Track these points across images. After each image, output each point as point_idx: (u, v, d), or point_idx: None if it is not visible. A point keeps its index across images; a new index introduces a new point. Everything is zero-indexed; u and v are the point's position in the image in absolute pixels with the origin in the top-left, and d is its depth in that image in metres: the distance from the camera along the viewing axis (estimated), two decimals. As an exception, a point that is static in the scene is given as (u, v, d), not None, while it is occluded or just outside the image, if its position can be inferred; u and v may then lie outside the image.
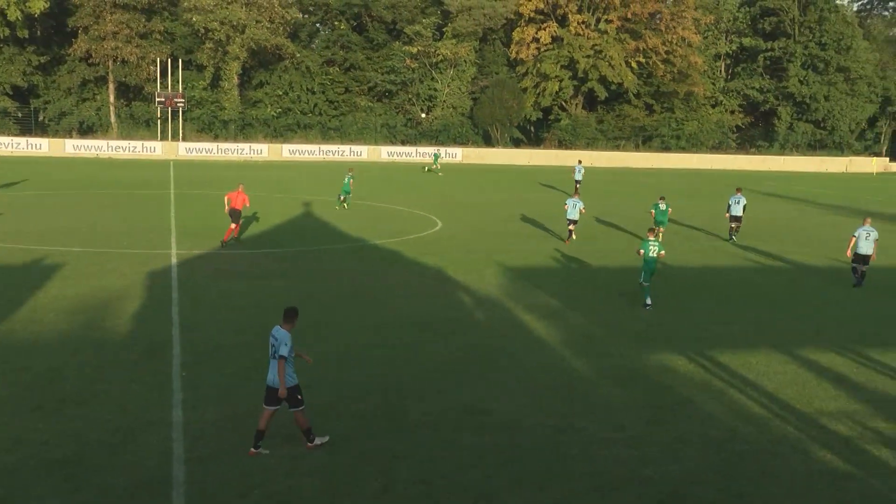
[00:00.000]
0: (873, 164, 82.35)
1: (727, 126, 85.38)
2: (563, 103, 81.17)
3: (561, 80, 77.89)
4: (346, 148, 70.70)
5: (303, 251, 25.72)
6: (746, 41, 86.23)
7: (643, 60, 78.44)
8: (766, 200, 45.72)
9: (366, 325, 17.00)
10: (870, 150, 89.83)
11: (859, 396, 13.70)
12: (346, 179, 35.76)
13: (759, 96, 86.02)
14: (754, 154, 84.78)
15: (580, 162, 50.16)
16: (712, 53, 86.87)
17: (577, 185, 46.82)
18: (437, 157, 61.08)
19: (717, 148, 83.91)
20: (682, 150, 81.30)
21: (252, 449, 10.75)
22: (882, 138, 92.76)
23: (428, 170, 59.75)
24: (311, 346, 15.24)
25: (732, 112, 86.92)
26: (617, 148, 79.84)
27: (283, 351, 10.44)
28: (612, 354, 15.72)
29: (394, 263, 24.09)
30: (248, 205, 26.59)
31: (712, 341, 16.83)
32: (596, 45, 76.34)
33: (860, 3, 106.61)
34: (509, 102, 74.59)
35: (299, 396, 10.70)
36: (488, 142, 77.77)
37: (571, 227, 28.80)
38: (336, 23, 78.20)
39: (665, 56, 77.64)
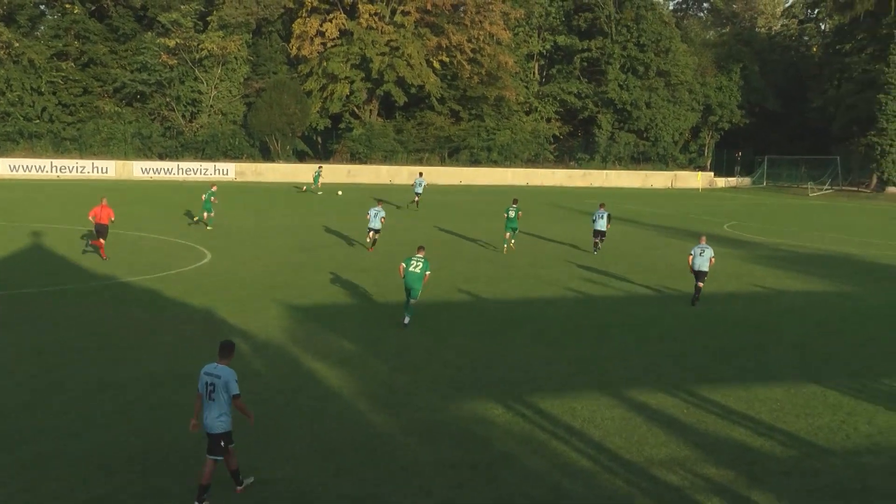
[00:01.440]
0: (699, 179, 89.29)
1: (544, 136, 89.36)
2: (356, 109, 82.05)
3: (352, 82, 78.76)
4: (86, 163, 67.91)
5: (33, 293, 24.33)
6: (561, 40, 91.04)
7: (447, 60, 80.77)
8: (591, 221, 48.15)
9: (112, 384, 16.24)
10: (694, 164, 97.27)
11: (690, 440, 14.67)
12: (207, 196, 38.29)
13: (578, 102, 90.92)
14: (574, 168, 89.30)
15: (421, 174, 54.72)
16: (524, 53, 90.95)
17: (417, 200, 51.17)
18: (317, 175, 61.41)
19: (534, 161, 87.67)
20: (495, 163, 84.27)
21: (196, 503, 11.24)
22: (706, 151, 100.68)
23: (307, 189, 60.11)
24: (42, 415, 14.39)
25: (549, 120, 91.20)
26: (419, 161, 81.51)
27: (236, 389, 11.52)
28: (418, 406, 15.90)
29: (151, 305, 23.30)
30: (112, 219, 30.14)
31: (533, 385, 17.43)
32: (392, 40, 77.77)
33: (676, 1, 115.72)
34: (291, 108, 74.49)
35: (223, 444, 11.52)
36: (266, 155, 77.16)
37: (375, 235, 33.56)
38: (68, 5, 74.88)
39: (471, 55, 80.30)
